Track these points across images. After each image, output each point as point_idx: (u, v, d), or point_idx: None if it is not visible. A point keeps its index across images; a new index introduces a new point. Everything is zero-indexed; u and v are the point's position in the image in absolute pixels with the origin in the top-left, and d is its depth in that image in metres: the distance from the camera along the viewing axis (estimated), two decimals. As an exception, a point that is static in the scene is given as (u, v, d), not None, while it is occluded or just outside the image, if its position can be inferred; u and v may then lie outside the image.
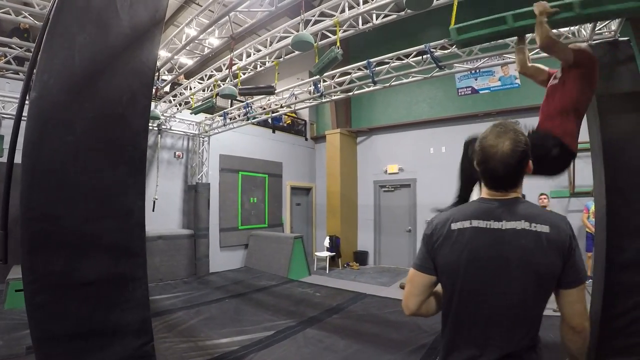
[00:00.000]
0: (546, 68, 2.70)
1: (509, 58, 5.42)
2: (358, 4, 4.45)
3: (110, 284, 2.16)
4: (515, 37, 2.98)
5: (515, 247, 1.26)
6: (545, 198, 7.08)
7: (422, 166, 10.17)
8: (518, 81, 8.56)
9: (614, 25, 4.12)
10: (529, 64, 2.74)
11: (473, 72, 8.46)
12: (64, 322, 1.99)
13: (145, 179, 2.69)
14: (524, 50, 2.72)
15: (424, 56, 5.20)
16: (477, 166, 1.39)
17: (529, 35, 3.02)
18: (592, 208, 6.84)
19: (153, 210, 7.72)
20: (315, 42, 4.23)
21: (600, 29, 4.21)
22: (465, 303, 1.33)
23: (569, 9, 2.53)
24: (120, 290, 2.21)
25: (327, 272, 9.67)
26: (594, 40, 4.23)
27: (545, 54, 2.85)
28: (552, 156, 2.27)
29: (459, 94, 9.46)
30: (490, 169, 1.33)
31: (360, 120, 11.65)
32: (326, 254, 10.07)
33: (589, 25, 4.23)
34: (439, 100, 10.10)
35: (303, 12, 4.00)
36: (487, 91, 9.03)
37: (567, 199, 7.78)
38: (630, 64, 3.91)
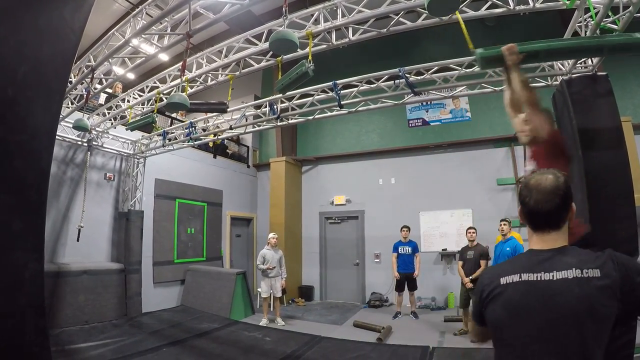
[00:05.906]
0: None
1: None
2: (335, 17, 4.07)
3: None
4: None
5: (568, 298, 1.20)
6: (505, 224, 6.06)
7: (370, 197, 9.94)
8: (469, 114, 8.69)
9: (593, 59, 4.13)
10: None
11: (424, 103, 8.47)
12: None
13: (45, 222, 1.73)
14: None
15: (397, 81, 4.91)
16: (521, 207, 1.38)
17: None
18: None
19: (78, 240, 6.60)
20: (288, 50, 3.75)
21: (579, 63, 4.20)
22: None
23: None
24: None
25: (272, 309, 8.88)
26: (573, 73, 4.20)
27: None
28: None
29: (410, 125, 9.43)
30: (534, 204, 1.33)
31: (307, 148, 11.26)
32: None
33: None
34: (389, 130, 10.02)
35: (285, 6, 3.47)
36: (437, 123, 9.08)
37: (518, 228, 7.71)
38: (608, 98, 3.94)
